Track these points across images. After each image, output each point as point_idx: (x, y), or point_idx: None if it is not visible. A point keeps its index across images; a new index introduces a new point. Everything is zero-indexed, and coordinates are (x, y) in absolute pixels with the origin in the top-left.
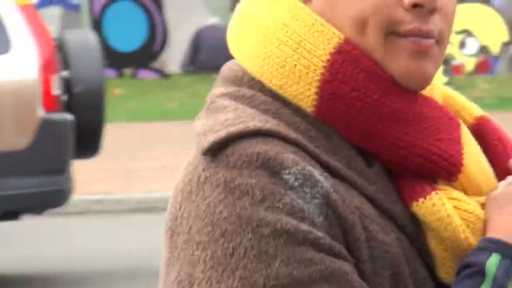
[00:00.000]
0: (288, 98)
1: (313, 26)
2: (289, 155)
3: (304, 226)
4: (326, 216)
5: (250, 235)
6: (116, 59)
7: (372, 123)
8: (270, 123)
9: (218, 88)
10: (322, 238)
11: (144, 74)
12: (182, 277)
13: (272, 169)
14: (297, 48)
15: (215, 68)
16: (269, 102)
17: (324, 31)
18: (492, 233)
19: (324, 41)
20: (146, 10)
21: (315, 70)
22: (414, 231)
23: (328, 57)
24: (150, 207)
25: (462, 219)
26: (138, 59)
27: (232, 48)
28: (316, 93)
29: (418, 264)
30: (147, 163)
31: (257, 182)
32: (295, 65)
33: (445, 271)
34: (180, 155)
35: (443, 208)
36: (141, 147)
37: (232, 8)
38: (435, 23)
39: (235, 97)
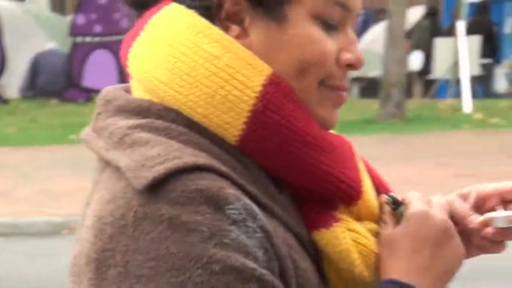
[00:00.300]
0: (209, 128)
1: (244, 58)
2: (230, 191)
3: (250, 263)
4: (266, 250)
5: (199, 271)
6: None
7: (294, 149)
8: (202, 158)
9: (121, 120)
10: (266, 275)
11: None
12: None
13: (216, 205)
14: (229, 80)
15: (53, 93)
16: (186, 133)
17: (255, 63)
18: (390, 271)
19: (256, 73)
20: None
21: (247, 100)
22: (315, 256)
23: (260, 88)
24: None
25: (359, 252)
26: None
27: (140, 76)
28: (244, 122)
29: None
30: None
31: (203, 219)
32: (226, 95)
33: None
34: (19, 181)
35: (344, 241)
36: None
37: (71, 34)
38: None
39: (150, 129)
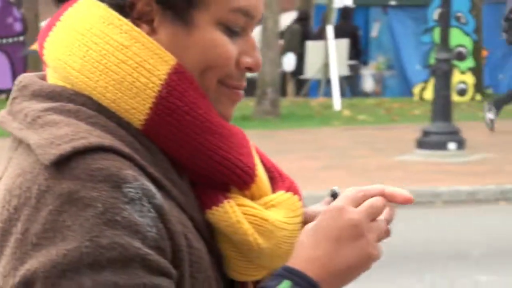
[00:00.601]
0: (116, 112)
1: (151, 49)
2: (129, 171)
3: (137, 243)
4: (159, 229)
5: (88, 243)
6: None
7: (194, 135)
8: (107, 139)
9: (35, 103)
10: (150, 255)
11: None
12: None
13: (114, 183)
14: (137, 68)
15: None
16: (95, 116)
17: (161, 54)
18: (293, 260)
19: (162, 62)
20: None
21: (153, 87)
22: (210, 237)
23: (165, 76)
24: None
25: (250, 223)
26: None
27: (54, 64)
28: (150, 108)
29: (215, 266)
30: None
31: (100, 195)
32: (134, 82)
33: (233, 269)
34: None
35: (233, 214)
36: None
37: None
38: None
39: (61, 112)
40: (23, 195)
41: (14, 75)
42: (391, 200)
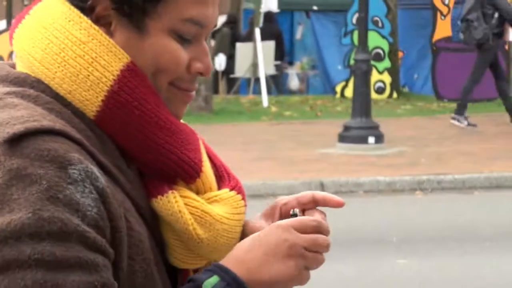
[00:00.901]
0: (71, 102)
1: (107, 46)
2: (75, 154)
3: (76, 220)
4: (99, 209)
5: (30, 215)
6: None
7: (143, 129)
8: (58, 124)
9: (1, 87)
10: (88, 232)
11: None
12: None
13: (59, 164)
14: (92, 62)
15: None
16: (52, 102)
17: (116, 51)
18: (226, 259)
19: (116, 59)
20: None
21: (106, 82)
22: (154, 224)
23: (118, 72)
24: None
25: (191, 213)
26: None
27: (21, 52)
28: (102, 100)
29: (157, 251)
30: None
31: (45, 173)
32: (88, 75)
33: (175, 256)
34: None
35: (176, 204)
36: None
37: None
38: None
39: (22, 96)
40: None
41: None
42: (323, 204)
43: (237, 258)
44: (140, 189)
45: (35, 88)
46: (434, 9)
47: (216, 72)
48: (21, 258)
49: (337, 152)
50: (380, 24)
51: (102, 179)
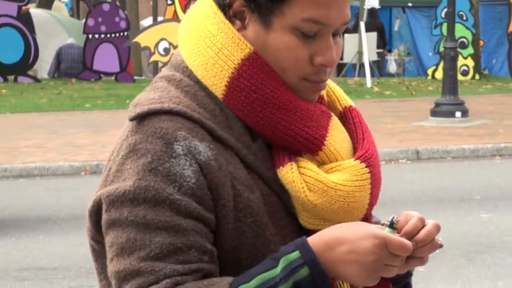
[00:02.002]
0: (206, 85)
1: (232, 38)
2: (182, 132)
3: (170, 189)
4: (197, 180)
5: (132, 183)
6: (2, 69)
7: (261, 109)
8: (181, 105)
9: (165, 70)
10: (180, 201)
11: (23, 79)
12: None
13: (167, 140)
14: (218, 53)
15: (73, 74)
16: (191, 85)
17: (240, 43)
18: (320, 235)
19: (238, 50)
20: (22, 33)
21: (228, 69)
22: (281, 190)
23: (239, 61)
24: (28, 174)
25: (305, 182)
26: (18, 69)
27: (180, 42)
28: (225, 85)
29: (283, 213)
30: (26, 142)
31: (153, 148)
32: (214, 64)
33: (302, 219)
34: (49, 137)
35: (292, 175)
36: (21, 131)
37: (84, 32)
38: (329, 71)
39: (169, 80)
40: (117, 142)
41: (120, 62)
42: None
43: (326, 244)
44: (266, 160)
45: (183, 73)
46: (509, 4)
47: None
48: (121, 219)
49: (429, 124)
50: (464, 18)
51: (208, 154)
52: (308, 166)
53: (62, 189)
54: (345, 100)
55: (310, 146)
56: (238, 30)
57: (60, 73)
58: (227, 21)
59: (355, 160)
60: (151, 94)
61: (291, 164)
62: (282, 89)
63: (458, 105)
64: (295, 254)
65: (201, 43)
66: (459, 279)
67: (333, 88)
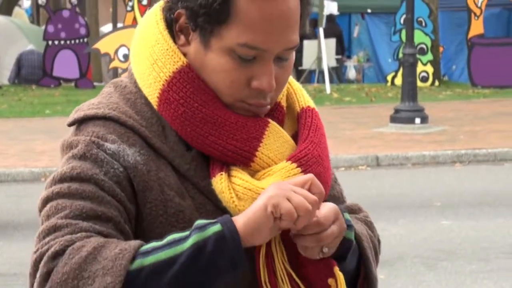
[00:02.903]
0: (145, 94)
1: (167, 50)
2: (112, 136)
3: (96, 170)
4: (123, 173)
5: (62, 168)
6: None
7: (189, 123)
8: (117, 111)
9: (122, 75)
10: (105, 181)
11: None
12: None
13: (97, 143)
14: (153, 64)
15: (33, 81)
16: (133, 92)
17: (173, 55)
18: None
19: (172, 62)
20: None
21: (159, 81)
22: (218, 199)
23: (171, 74)
24: None
25: (235, 191)
26: None
27: (131, 48)
28: (157, 96)
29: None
30: None
31: (83, 139)
32: (149, 74)
33: None
34: (9, 143)
35: (221, 185)
36: None
37: (44, 38)
38: (270, 95)
39: (116, 86)
40: (59, 147)
41: (80, 68)
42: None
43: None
44: (201, 170)
45: (130, 79)
46: (469, 10)
47: None
48: (48, 195)
49: (389, 131)
50: (423, 24)
51: (137, 158)
52: (239, 175)
53: (23, 195)
54: (304, 101)
55: (240, 159)
56: (182, 45)
57: (21, 80)
58: (165, 33)
59: (286, 161)
60: (94, 100)
61: (221, 174)
62: (211, 103)
63: (418, 111)
64: (217, 227)
65: (142, 52)
66: (419, 287)
67: (296, 89)
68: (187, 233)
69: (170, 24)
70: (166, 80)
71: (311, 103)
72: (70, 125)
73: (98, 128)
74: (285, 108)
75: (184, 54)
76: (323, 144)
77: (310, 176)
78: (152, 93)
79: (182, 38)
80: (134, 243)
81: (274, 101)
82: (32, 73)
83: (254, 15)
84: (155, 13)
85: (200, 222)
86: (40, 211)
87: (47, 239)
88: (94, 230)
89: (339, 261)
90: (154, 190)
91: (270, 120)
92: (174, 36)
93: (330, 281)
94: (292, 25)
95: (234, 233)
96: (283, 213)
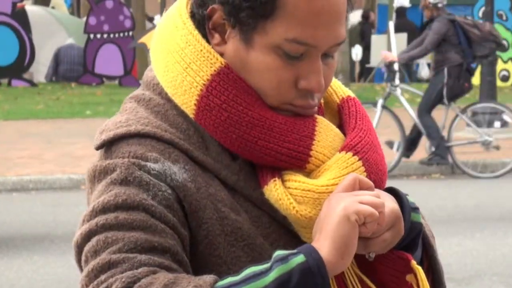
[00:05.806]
0: (177, 104)
1: (201, 52)
2: (152, 154)
3: (144, 195)
4: (172, 195)
5: (101, 197)
6: None
7: (234, 129)
8: (150, 126)
9: (137, 90)
10: (155, 207)
11: (17, 83)
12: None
13: (138, 164)
14: (186, 68)
15: (72, 78)
16: (162, 104)
17: (209, 56)
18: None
19: (208, 64)
20: (17, 32)
21: (196, 86)
22: (272, 209)
23: (208, 77)
24: (23, 188)
25: (292, 196)
26: (12, 71)
27: (151, 55)
28: (195, 104)
29: (280, 233)
30: (20, 153)
31: (122, 162)
32: (183, 80)
33: (304, 236)
34: (46, 147)
35: (276, 193)
36: (15, 140)
37: (85, 31)
38: (318, 96)
39: (138, 100)
40: (88, 174)
41: (124, 64)
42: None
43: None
44: (250, 180)
45: (153, 91)
46: None
47: (353, 62)
48: (91, 229)
49: (465, 135)
50: (504, 17)
51: (184, 175)
52: (293, 177)
53: (60, 205)
54: (342, 91)
55: (295, 162)
56: (217, 44)
57: (59, 77)
58: (196, 32)
59: (340, 152)
60: (118, 118)
61: (275, 181)
62: (256, 105)
63: (497, 113)
64: (301, 258)
65: (169, 57)
66: None
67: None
68: (267, 265)
69: (199, 22)
70: (204, 84)
71: (350, 92)
72: (98, 148)
73: (134, 147)
74: (323, 105)
75: (220, 54)
76: (373, 132)
77: (353, 175)
78: (187, 101)
79: (217, 37)
80: (208, 278)
81: (319, 101)
82: (72, 69)
83: (303, 8)
84: (179, 12)
85: (280, 253)
86: (81, 247)
87: (102, 277)
88: (154, 263)
89: (412, 250)
90: (207, 209)
91: (316, 115)
92: (204, 35)
93: (409, 277)
94: (341, 18)
95: (319, 262)
96: (367, 215)
